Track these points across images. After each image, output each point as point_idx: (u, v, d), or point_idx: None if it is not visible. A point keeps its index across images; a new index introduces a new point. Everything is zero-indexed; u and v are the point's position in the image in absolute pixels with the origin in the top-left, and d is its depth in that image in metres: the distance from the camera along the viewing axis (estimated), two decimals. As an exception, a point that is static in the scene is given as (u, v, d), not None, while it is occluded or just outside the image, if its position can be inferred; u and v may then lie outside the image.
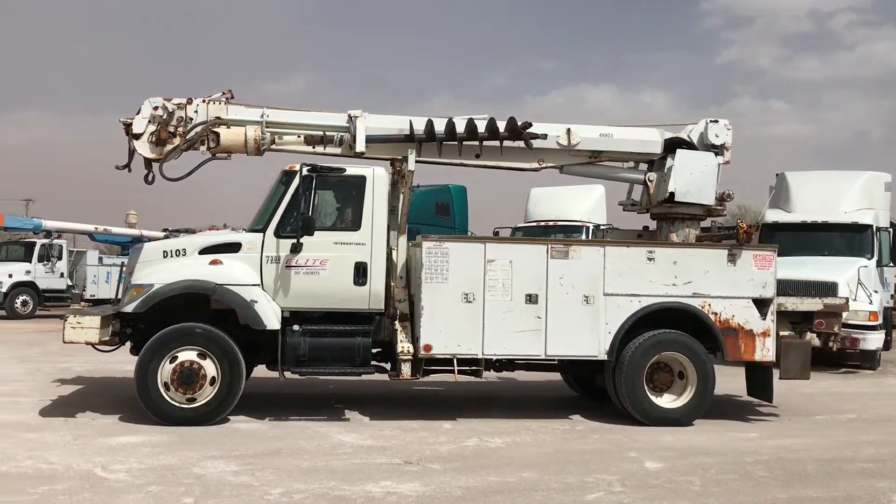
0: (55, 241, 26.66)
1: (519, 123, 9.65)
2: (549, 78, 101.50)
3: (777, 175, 17.09)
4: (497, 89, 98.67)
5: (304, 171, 8.99)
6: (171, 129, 9.38)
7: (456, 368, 9.06)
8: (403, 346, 9.02)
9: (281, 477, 6.63)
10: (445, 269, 9.00)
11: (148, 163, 9.47)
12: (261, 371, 9.81)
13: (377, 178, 9.22)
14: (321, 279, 8.97)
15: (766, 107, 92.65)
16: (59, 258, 26.70)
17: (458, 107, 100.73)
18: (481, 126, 9.58)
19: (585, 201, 20.10)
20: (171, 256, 8.95)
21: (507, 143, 9.72)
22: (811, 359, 9.67)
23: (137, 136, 9.37)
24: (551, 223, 19.21)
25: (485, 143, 9.67)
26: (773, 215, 16.42)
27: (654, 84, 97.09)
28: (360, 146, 9.43)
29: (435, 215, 15.65)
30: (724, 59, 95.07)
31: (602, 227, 17.42)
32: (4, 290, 25.24)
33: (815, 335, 9.89)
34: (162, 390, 8.52)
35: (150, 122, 9.36)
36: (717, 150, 10.23)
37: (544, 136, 9.71)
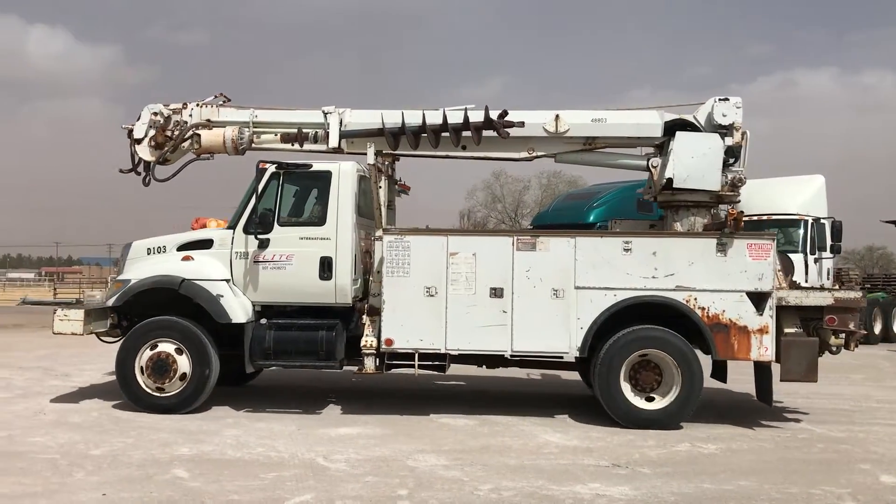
0: None
1: (498, 112, 9.37)
2: (758, 63, 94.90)
3: None
4: (699, 79, 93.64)
5: (272, 169, 9.22)
6: (169, 132, 9.92)
7: (417, 363, 8.93)
8: (368, 340, 9.00)
9: (489, 473, 6.75)
10: (407, 263, 8.89)
11: (147, 166, 10.06)
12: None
13: (342, 173, 9.26)
14: (287, 274, 9.15)
15: None
16: None
17: (657, 100, 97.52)
18: (454, 117, 9.37)
19: (803, 192, 18.16)
20: (154, 253, 9.49)
21: (491, 133, 9.45)
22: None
23: (139, 141, 9.99)
24: (764, 217, 17.18)
25: (463, 133, 9.45)
26: None
27: (879, 63, 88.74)
28: (333, 141, 9.55)
29: (637, 211, 15.18)
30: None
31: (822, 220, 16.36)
32: None
33: (837, 334, 8.83)
34: (140, 380, 9.04)
35: (149, 126, 9.94)
36: (726, 131, 9.39)
37: (521, 124, 9.34)
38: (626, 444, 7.89)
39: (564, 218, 14.34)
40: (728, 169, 9.42)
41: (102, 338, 9.78)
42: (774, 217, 17.47)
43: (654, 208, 16.52)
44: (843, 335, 8.82)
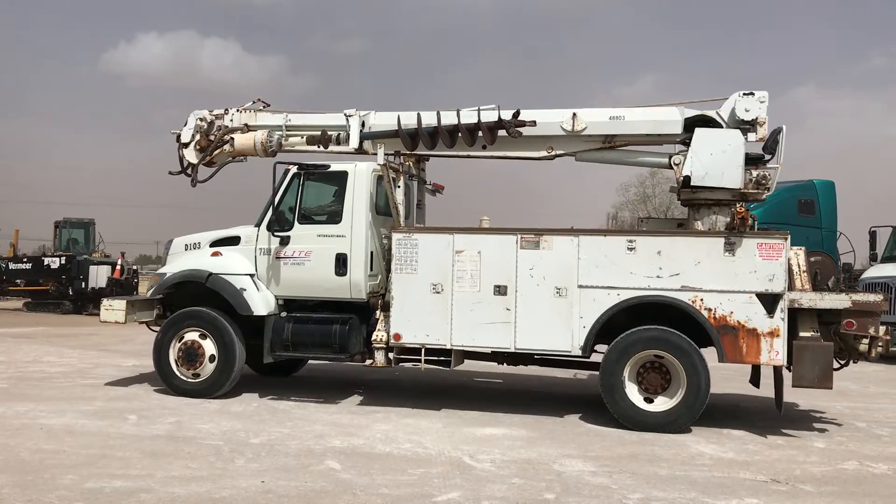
0: None
1: (511, 112, 9.45)
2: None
3: None
4: (874, 72, 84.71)
5: (294, 170, 9.70)
6: (212, 136, 10.61)
7: (423, 358, 9.16)
8: (379, 334, 9.31)
9: (638, 482, 6.54)
10: (415, 260, 9.14)
11: (195, 168, 10.78)
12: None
13: (358, 173, 9.60)
14: (306, 269, 9.59)
15: None
16: None
17: (821, 97, 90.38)
18: (468, 118, 9.52)
19: None
20: (190, 249, 10.18)
21: (502, 133, 9.55)
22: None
23: (186, 145, 10.74)
24: None
25: (472, 134, 9.57)
26: None
27: None
28: (353, 142, 9.93)
29: (798, 214, 14.74)
30: None
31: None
32: None
33: (859, 339, 8.40)
34: (174, 367, 9.74)
35: (195, 131, 10.67)
36: (749, 126, 9.09)
37: (532, 124, 9.36)
38: (786, 460, 7.45)
39: None
40: (757, 166, 9.13)
41: (151, 327, 10.57)
42: None
43: (817, 211, 15.68)
44: (866, 340, 8.37)
